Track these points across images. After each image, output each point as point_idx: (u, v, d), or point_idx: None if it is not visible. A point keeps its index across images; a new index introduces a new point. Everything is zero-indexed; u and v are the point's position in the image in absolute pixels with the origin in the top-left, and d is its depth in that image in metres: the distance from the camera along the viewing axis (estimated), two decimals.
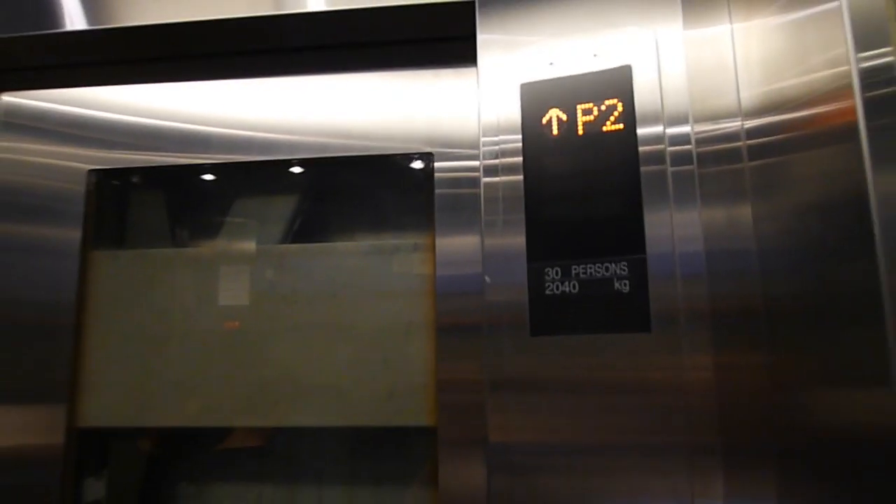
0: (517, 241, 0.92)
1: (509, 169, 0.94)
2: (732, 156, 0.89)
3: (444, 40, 1.10)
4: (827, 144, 0.69)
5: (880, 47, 0.63)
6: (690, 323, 0.85)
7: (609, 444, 0.85)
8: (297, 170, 1.21)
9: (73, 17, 1.12)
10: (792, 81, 0.77)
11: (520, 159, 0.94)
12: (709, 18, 0.94)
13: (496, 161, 0.95)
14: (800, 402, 0.78)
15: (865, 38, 0.65)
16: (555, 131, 0.93)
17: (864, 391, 0.66)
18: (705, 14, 0.94)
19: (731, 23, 0.93)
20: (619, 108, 0.91)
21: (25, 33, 1.13)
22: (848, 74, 0.64)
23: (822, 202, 0.72)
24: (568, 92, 0.94)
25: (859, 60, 0.64)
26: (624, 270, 0.87)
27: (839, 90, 0.66)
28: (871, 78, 0.63)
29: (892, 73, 0.62)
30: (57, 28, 1.12)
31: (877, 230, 0.61)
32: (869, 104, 0.63)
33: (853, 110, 0.63)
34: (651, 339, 0.85)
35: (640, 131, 0.90)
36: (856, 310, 0.65)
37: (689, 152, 0.89)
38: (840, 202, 0.68)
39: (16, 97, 1.23)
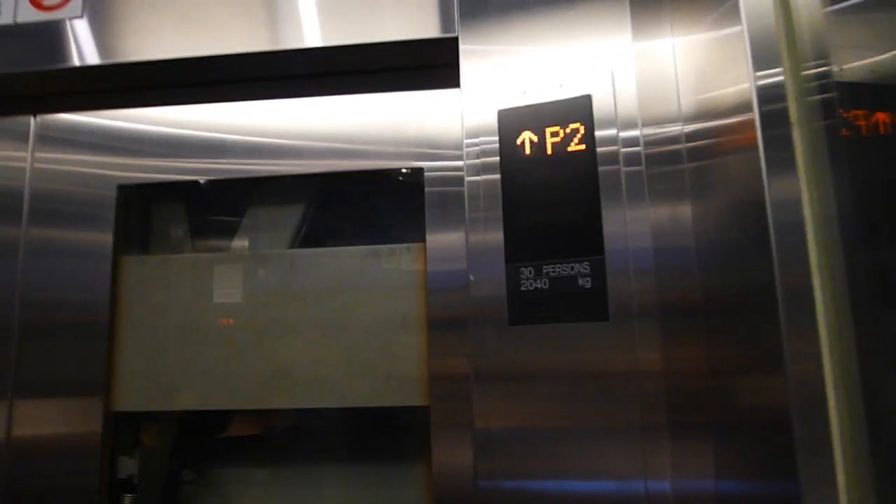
0: (497, 241, 1.04)
1: (488, 168, 1.06)
2: (675, 157, 0.99)
3: (432, 67, 1.22)
4: (739, 151, 0.79)
5: (774, 67, 0.73)
6: (642, 313, 0.96)
7: (576, 427, 0.96)
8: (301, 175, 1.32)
9: (103, 52, 1.26)
10: (715, 93, 0.87)
11: (497, 159, 1.06)
12: (654, 32, 1.04)
13: (478, 161, 1.07)
14: (730, 386, 0.87)
15: (762, 58, 0.74)
16: (527, 151, 1.05)
17: (770, 375, 0.75)
18: (651, 29, 1.04)
19: (672, 36, 1.03)
20: (582, 130, 1.03)
21: (61, 66, 1.26)
22: (748, 91, 0.75)
23: (739, 204, 0.81)
24: (538, 117, 1.06)
25: (757, 78, 0.74)
26: (586, 269, 0.99)
27: (743, 104, 0.76)
28: (766, 94, 0.73)
29: (783, 90, 0.72)
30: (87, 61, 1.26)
31: (771, 232, 0.71)
32: (765, 118, 0.73)
33: (753, 123, 0.73)
34: (609, 327, 0.96)
35: (599, 145, 1.01)
36: (762, 304, 0.75)
37: (638, 154, 1.00)
38: (749, 204, 0.77)
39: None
